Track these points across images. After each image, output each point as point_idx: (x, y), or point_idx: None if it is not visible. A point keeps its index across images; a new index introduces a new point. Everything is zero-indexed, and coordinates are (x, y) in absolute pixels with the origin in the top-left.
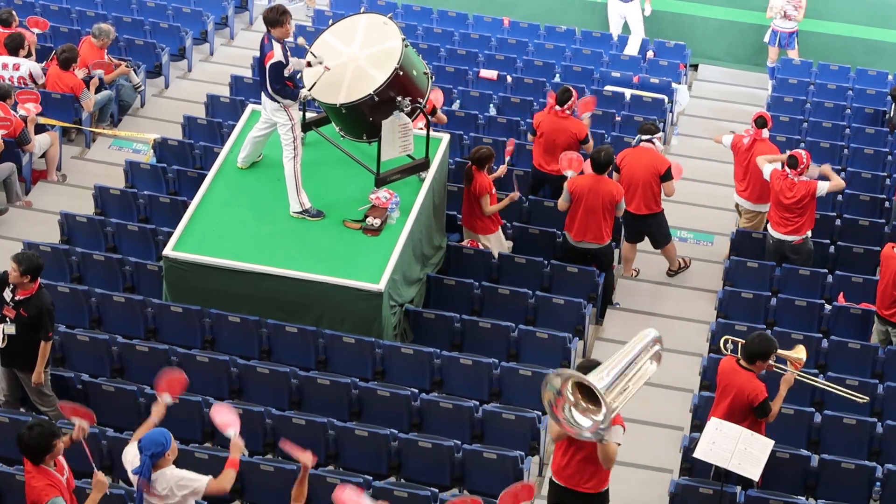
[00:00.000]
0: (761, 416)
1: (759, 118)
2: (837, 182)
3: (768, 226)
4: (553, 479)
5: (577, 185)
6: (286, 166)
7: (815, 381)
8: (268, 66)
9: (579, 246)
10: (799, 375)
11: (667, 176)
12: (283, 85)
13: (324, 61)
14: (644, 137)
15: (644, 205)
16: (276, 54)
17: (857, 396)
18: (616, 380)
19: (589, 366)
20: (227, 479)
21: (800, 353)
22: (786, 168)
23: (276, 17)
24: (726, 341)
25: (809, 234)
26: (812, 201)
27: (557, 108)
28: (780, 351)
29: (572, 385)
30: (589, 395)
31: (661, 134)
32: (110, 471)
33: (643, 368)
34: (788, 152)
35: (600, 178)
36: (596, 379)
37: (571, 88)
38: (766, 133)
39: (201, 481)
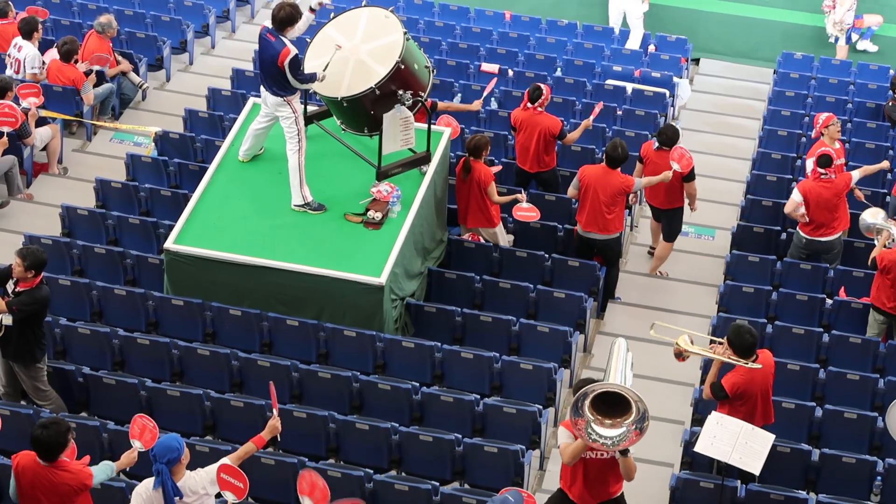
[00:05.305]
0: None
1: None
2: (868, 169)
3: (800, 232)
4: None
5: (586, 175)
6: (290, 159)
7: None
8: (288, 62)
9: (586, 236)
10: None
11: (689, 177)
12: (302, 73)
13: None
14: (664, 148)
15: (666, 200)
16: (292, 49)
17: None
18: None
19: (584, 385)
20: (245, 449)
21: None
22: (817, 169)
23: (293, 15)
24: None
25: None
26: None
27: (529, 105)
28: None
29: (590, 402)
30: (604, 409)
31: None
32: None
33: (629, 376)
34: (820, 151)
35: (611, 171)
36: (614, 383)
37: (542, 85)
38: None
39: (216, 466)
